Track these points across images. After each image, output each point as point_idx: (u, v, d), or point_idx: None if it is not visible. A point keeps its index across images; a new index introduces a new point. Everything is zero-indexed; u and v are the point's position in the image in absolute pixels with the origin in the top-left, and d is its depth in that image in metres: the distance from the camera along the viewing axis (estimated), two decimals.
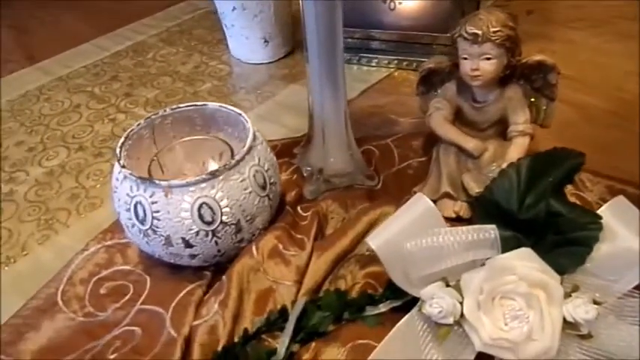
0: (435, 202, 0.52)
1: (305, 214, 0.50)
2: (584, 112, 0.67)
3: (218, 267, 0.46)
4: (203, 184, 0.41)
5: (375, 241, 0.37)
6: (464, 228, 0.36)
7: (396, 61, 0.76)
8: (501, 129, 0.51)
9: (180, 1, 1.05)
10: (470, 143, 0.49)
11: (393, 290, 0.41)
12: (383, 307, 0.40)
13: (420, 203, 0.37)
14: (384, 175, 0.56)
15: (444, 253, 0.35)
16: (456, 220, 0.48)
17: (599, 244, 0.37)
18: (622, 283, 0.36)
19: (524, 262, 0.35)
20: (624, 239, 0.37)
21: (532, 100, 0.51)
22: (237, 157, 0.42)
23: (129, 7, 1.05)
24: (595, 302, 0.35)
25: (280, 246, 0.44)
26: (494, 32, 0.44)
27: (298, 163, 0.58)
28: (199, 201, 0.41)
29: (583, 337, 0.35)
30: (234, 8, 0.75)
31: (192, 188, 0.41)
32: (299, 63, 0.80)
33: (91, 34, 0.95)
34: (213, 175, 0.41)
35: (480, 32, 0.45)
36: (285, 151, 0.60)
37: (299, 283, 0.42)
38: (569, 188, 0.52)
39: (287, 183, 0.56)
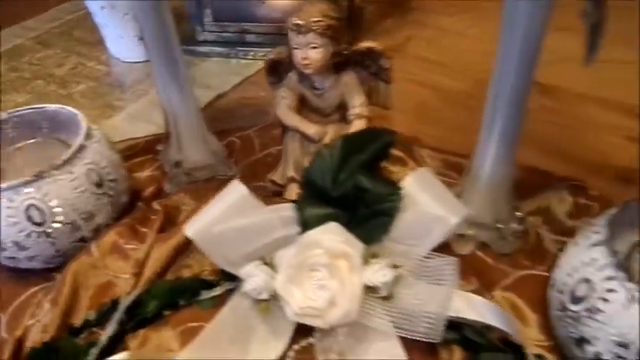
0: (283, 186, 0.56)
1: (158, 209, 0.51)
2: (443, 94, 0.72)
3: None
4: (28, 187, 0.41)
5: (190, 229, 0.39)
6: (267, 208, 0.38)
7: None
8: (345, 113, 0.54)
9: (64, 2, 1.02)
10: (311, 129, 0.52)
11: (228, 273, 0.43)
12: (218, 290, 0.42)
13: (235, 190, 0.40)
14: (243, 164, 0.58)
15: (251, 234, 0.38)
16: None
17: (403, 213, 0.41)
18: (422, 246, 0.40)
19: (330, 235, 0.38)
20: (425, 206, 0.41)
21: (372, 84, 0.55)
22: (63, 158, 0.43)
23: (10, 9, 1.02)
24: (395, 266, 0.39)
25: (121, 241, 0.45)
26: (315, 22, 0.47)
27: (161, 159, 0.59)
28: (26, 203, 0.41)
29: (385, 298, 0.38)
30: (102, 7, 0.75)
31: (17, 191, 0.41)
32: None
33: None
34: (39, 176, 0.42)
35: (302, 23, 0.47)
36: (149, 148, 0.61)
37: (138, 275, 0.44)
38: (411, 163, 0.57)
39: (149, 179, 0.57)
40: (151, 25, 0.47)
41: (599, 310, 0.31)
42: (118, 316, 0.39)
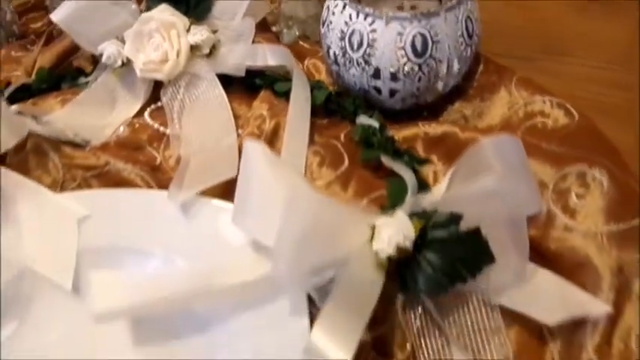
0: None
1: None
2: None
3: None
4: None
5: (55, 15, 0.52)
6: None
7: None
8: None
9: None
10: None
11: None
12: (93, 76, 0.57)
13: None
14: None
15: (103, 15, 0.52)
16: None
17: None
18: (236, 18, 0.55)
19: (161, 12, 0.53)
20: None
21: None
22: None
23: None
24: (214, 31, 0.54)
25: (12, 52, 0.59)
26: None
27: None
28: None
29: (207, 55, 0.53)
30: None
31: None
32: None
33: None
34: None
35: None
36: (40, 4, 0.73)
37: (29, 74, 0.58)
38: None
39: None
40: None
41: (330, 22, 0.47)
42: (7, 93, 0.53)
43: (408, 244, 0.32)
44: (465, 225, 0.33)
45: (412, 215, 0.34)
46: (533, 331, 0.36)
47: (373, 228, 0.33)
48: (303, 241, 0.31)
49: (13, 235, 0.40)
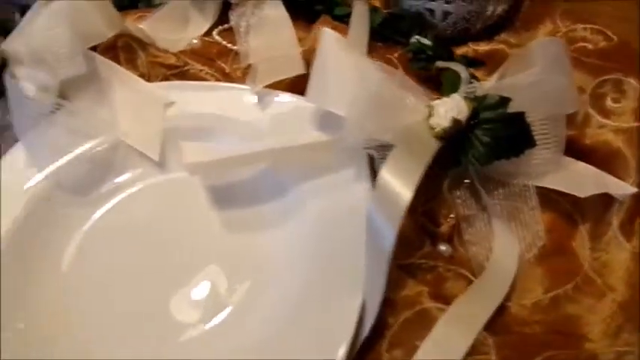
0: None
1: None
2: None
3: None
4: None
5: None
6: None
7: None
8: None
9: None
10: None
11: None
12: None
13: None
14: None
15: None
16: None
17: None
18: None
19: None
20: None
21: None
22: None
23: None
24: None
25: None
26: None
27: None
28: None
29: None
30: None
31: None
32: None
33: None
34: None
35: None
36: None
37: None
38: None
39: None
40: None
41: None
42: None
43: (462, 117, 0.37)
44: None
45: (465, 99, 0.39)
46: (565, 215, 0.41)
47: (431, 109, 0.39)
48: (370, 109, 0.36)
49: (108, 113, 0.46)
